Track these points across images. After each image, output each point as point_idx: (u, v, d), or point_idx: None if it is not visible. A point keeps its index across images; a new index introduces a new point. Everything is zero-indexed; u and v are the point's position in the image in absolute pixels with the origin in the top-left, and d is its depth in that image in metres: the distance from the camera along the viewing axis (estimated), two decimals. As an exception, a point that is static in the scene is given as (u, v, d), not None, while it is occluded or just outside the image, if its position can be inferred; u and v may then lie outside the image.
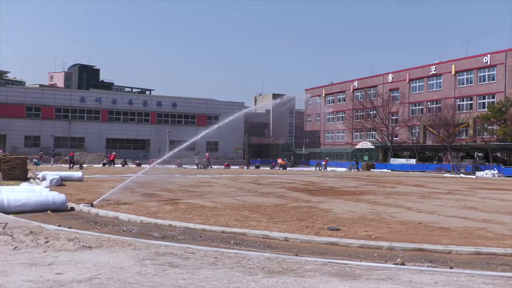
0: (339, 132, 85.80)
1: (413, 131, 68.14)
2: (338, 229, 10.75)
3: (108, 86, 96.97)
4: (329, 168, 60.03)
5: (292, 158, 67.35)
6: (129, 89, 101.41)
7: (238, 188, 22.47)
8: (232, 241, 9.49)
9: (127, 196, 16.82)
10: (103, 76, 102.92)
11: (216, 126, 23.10)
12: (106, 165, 50.97)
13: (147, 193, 18.82)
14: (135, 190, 19.64)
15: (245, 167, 55.63)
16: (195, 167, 50.03)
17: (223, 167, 55.62)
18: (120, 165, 51.79)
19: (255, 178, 32.69)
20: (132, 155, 65.02)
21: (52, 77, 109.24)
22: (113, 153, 55.07)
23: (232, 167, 56.76)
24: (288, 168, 57.59)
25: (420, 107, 70.78)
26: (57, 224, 10.66)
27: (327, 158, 66.09)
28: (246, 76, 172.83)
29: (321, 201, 16.99)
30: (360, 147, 73.85)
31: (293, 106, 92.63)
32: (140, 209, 13.85)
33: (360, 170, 58.05)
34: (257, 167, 57.35)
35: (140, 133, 70.98)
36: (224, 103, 76.40)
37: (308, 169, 60.64)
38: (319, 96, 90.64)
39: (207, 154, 55.25)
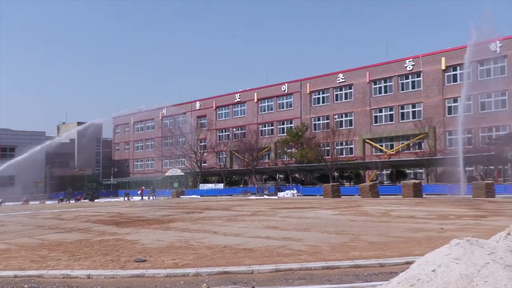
0: (148, 160, 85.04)
1: (220, 156, 70.56)
2: (144, 260, 10.41)
3: None
4: (137, 198, 58.85)
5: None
6: None
7: (37, 226, 20.65)
8: (26, 286, 8.57)
9: None
10: None
11: (13, 160, 21.14)
12: None
13: None
14: None
15: (66, 201, 52.16)
16: None
17: (20, 203, 50.96)
18: None
19: (58, 213, 30.49)
20: None
21: None
22: None
23: (31, 202, 52.33)
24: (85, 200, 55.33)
25: (226, 133, 73.68)
26: None
27: (143, 187, 64.94)
28: (48, 104, 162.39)
29: (128, 232, 16.42)
30: (170, 174, 74.04)
31: (100, 135, 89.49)
32: None
33: (154, 199, 56.70)
34: (61, 200, 53.86)
35: None
36: (22, 133, 70.48)
37: (117, 199, 58.71)
38: (127, 123, 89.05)
39: None
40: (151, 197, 57.52)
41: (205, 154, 70.59)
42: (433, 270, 4.74)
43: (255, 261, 9.70)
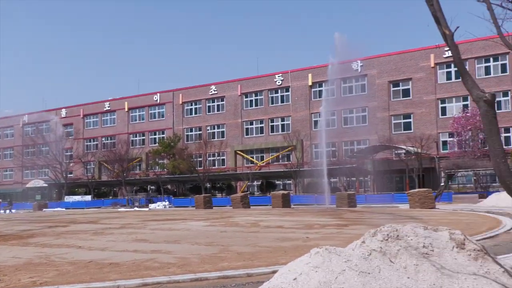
0: (6, 171, 78.94)
1: (88, 167, 67.60)
2: (-2, 280, 9.60)
3: None
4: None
5: None
6: None
7: None
8: None
9: None
10: None
11: None
12: None
13: None
14: None
15: None
16: None
17: None
18: None
19: None
20: None
21: None
22: None
23: None
24: None
25: (95, 142, 71.08)
26: None
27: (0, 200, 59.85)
28: None
29: (-20, 249, 15.04)
30: (32, 185, 69.30)
31: None
32: None
33: (12, 212, 52.07)
34: None
35: None
36: None
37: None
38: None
39: None
40: (7, 211, 53.21)
41: (71, 165, 67.22)
42: (295, 279, 4.92)
43: (121, 276, 9.37)
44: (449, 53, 46.90)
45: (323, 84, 54.54)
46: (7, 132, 79.78)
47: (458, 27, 5.21)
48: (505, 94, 46.18)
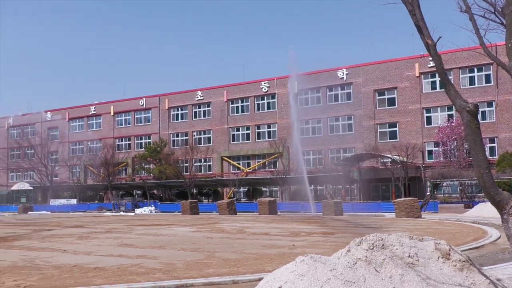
0: (-9, 173, 78.16)
1: (73, 170, 67.14)
2: (-19, 284, 9.52)
3: None
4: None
5: None
6: None
7: None
8: None
9: None
10: None
11: None
12: None
13: None
14: None
15: None
16: None
17: None
18: None
19: None
20: None
21: None
22: None
23: None
24: None
25: (80, 146, 70.66)
26: None
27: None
28: None
29: (-37, 253, 14.87)
30: (17, 188, 68.59)
31: None
32: None
33: None
34: None
35: None
36: None
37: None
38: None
39: None
40: None
41: (56, 168, 66.70)
42: (280, 287, 4.96)
43: (106, 281, 9.35)
44: (433, 63, 47.31)
45: (309, 92, 54.68)
46: (-8, 134, 79.10)
47: (440, 37, 5.29)
48: (490, 104, 46.67)
